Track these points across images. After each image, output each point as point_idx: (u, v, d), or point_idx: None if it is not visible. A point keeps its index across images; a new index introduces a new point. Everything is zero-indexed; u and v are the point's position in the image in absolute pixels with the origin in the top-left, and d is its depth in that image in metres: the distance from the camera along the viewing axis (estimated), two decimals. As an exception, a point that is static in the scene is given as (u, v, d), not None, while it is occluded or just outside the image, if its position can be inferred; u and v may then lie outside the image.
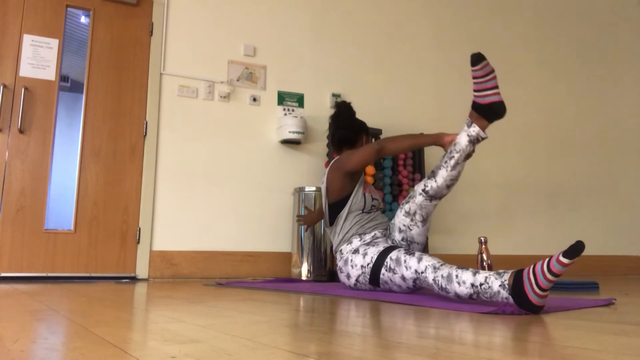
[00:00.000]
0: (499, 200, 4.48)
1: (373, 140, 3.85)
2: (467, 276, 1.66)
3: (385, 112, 4.17)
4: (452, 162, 2.07)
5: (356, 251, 2.22)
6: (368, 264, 2.13)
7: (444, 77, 4.48)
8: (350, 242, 2.28)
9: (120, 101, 3.41)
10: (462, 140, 2.04)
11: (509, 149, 4.64)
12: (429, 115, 4.34)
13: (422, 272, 1.87)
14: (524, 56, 4.91)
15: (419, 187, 2.17)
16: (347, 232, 2.32)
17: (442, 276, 1.76)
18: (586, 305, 1.59)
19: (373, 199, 2.39)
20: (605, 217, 4.96)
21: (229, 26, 3.77)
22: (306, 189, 3.37)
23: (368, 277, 2.13)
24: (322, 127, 3.90)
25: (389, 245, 2.15)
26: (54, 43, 3.32)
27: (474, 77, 1.96)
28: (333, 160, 2.41)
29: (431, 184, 2.13)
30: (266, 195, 3.65)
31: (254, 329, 1.06)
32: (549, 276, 1.38)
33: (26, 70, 3.23)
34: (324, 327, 1.10)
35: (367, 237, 2.27)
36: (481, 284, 1.60)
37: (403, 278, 1.98)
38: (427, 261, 1.87)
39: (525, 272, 1.46)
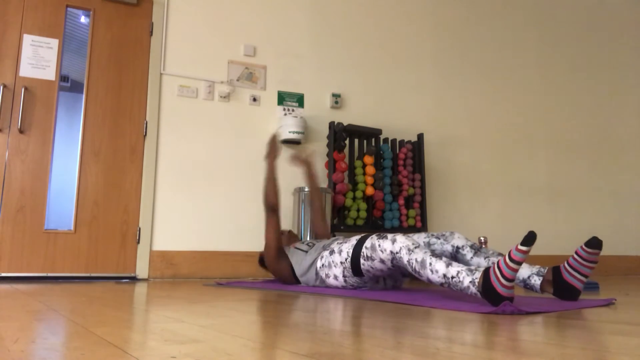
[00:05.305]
0: (499, 200, 4.48)
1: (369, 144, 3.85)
2: (440, 266, 1.73)
3: (385, 112, 4.17)
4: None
5: (332, 252, 2.30)
6: (346, 259, 2.20)
7: (443, 77, 4.48)
8: (322, 257, 2.36)
9: (120, 101, 3.42)
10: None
11: (509, 149, 4.64)
12: (429, 115, 4.34)
13: (397, 253, 1.95)
14: (524, 56, 4.91)
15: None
16: (310, 264, 2.44)
17: (416, 260, 1.83)
18: (586, 305, 1.59)
19: (303, 242, 2.63)
20: (605, 217, 4.96)
21: (229, 26, 3.77)
22: (306, 189, 3.37)
23: (350, 270, 2.19)
24: (322, 127, 3.90)
25: (360, 237, 2.20)
26: (54, 43, 3.32)
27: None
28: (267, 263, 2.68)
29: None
30: (266, 195, 3.65)
31: (254, 329, 1.06)
32: (512, 265, 1.51)
33: (26, 70, 3.23)
34: (324, 327, 1.10)
35: (333, 247, 2.34)
36: (452, 277, 1.68)
37: (382, 261, 2.04)
38: (401, 242, 1.94)
39: (491, 269, 1.57)
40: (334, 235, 3.45)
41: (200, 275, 3.38)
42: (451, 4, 4.65)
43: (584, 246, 1.72)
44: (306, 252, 2.50)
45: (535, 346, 0.86)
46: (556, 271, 1.83)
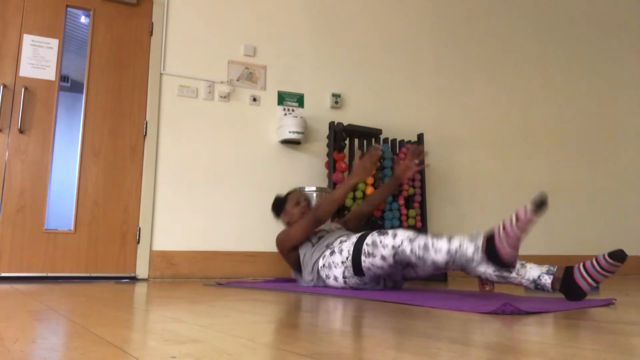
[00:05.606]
0: (499, 200, 4.48)
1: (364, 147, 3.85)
2: (442, 244, 1.77)
3: (385, 112, 4.17)
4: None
5: (332, 253, 2.28)
6: (347, 258, 2.18)
7: (443, 77, 4.48)
8: (324, 257, 2.34)
9: (120, 101, 3.42)
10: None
11: (509, 149, 4.63)
12: (428, 115, 4.34)
13: (398, 246, 1.95)
14: (524, 56, 4.91)
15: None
16: (314, 263, 2.41)
17: (418, 246, 1.86)
18: (586, 305, 1.59)
19: (316, 233, 2.53)
20: (605, 217, 4.96)
21: (229, 26, 3.77)
22: (306, 189, 3.37)
23: (351, 269, 2.17)
24: (322, 127, 3.90)
25: (360, 235, 2.19)
26: (54, 43, 3.32)
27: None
28: (278, 235, 2.57)
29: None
30: (266, 195, 3.65)
31: (254, 329, 1.06)
32: (517, 231, 1.56)
33: (26, 70, 3.23)
34: (324, 327, 1.10)
35: (334, 247, 2.32)
36: (456, 251, 1.72)
37: (383, 258, 2.03)
38: (402, 235, 1.95)
39: (496, 232, 1.62)
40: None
41: (200, 275, 3.38)
42: (451, 3, 4.65)
43: (607, 257, 1.66)
44: (313, 245, 2.47)
45: (535, 346, 0.86)
46: (568, 270, 1.82)
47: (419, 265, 1.90)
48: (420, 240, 1.86)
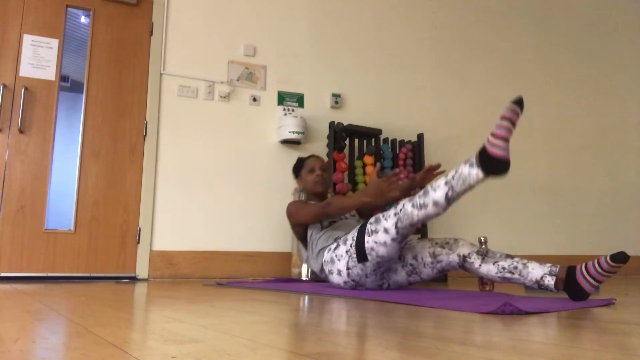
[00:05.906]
0: (499, 200, 4.48)
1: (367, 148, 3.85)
2: (440, 181, 1.91)
3: (385, 112, 4.17)
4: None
5: (337, 247, 2.30)
6: (352, 244, 2.20)
7: (443, 77, 4.48)
8: (329, 250, 2.36)
9: (120, 101, 3.42)
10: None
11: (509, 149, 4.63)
12: (429, 115, 4.34)
13: (400, 210, 2.02)
14: (524, 56, 4.91)
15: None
16: (319, 251, 2.43)
17: (419, 196, 1.96)
18: (586, 305, 1.59)
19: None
20: (605, 217, 4.96)
21: (229, 26, 3.77)
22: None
23: (355, 257, 2.18)
24: (322, 127, 3.90)
25: (364, 222, 2.26)
26: (54, 43, 3.32)
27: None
28: (289, 204, 2.61)
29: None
30: (266, 195, 3.65)
31: (254, 329, 1.06)
32: (506, 125, 1.73)
33: (26, 70, 3.23)
34: (324, 327, 1.10)
35: (340, 241, 2.34)
36: (452, 177, 1.85)
37: (386, 230, 2.07)
38: (403, 201, 2.04)
39: (486, 143, 1.77)
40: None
41: (200, 275, 3.38)
42: (451, 4, 4.65)
43: (609, 259, 1.67)
44: (322, 228, 2.48)
45: (535, 346, 0.86)
46: (570, 271, 1.81)
47: (421, 219, 1.96)
48: (420, 191, 1.97)
